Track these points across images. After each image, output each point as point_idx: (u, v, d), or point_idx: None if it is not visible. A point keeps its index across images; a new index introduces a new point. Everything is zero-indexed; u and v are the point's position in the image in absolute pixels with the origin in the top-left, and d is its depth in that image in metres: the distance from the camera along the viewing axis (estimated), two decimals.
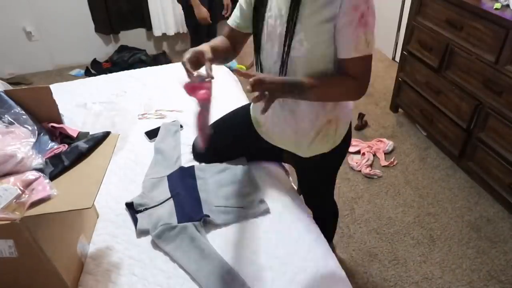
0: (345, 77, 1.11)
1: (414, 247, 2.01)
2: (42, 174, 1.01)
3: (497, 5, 1.99)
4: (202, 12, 2.74)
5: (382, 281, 1.86)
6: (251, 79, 1.00)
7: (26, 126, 1.14)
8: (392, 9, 3.58)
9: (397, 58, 3.43)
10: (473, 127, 2.24)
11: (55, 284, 1.05)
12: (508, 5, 1.99)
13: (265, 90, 1.02)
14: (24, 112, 1.18)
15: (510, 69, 1.93)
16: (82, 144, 1.12)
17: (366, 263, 1.94)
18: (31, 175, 1.00)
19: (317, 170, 1.44)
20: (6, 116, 1.14)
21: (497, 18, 1.95)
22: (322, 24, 1.05)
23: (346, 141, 1.35)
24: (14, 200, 0.93)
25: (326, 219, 1.68)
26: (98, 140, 1.16)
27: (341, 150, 1.38)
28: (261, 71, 1.23)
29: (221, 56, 1.23)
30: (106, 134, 1.19)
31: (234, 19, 1.29)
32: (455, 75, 2.32)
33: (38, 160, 1.05)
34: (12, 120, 1.13)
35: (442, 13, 2.33)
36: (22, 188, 0.96)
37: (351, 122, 1.36)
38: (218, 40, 1.28)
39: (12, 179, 0.97)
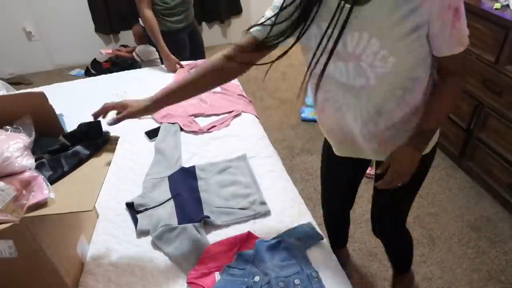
0: (444, 83, 1.06)
1: (414, 247, 2.01)
2: (40, 174, 1.00)
3: (497, 5, 1.99)
4: (172, 63, 2.28)
5: (382, 281, 1.86)
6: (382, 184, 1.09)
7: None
8: None
9: None
10: (473, 127, 2.24)
11: (55, 284, 1.05)
12: (508, 5, 1.99)
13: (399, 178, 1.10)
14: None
15: (510, 69, 1.93)
16: (83, 151, 1.11)
17: (366, 263, 1.94)
18: (27, 174, 0.99)
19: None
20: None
21: (497, 18, 1.95)
22: (407, 35, 0.94)
23: (433, 151, 1.24)
24: (12, 202, 0.93)
25: (396, 248, 1.59)
26: (99, 146, 1.15)
27: (429, 161, 1.25)
28: (316, 93, 1.12)
29: (192, 93, 1.20)
30: (106, 139, 1.17)
31: (261, 29, 1.05)
32: None
33: (29, 161, 1.02)
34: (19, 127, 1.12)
35: None
36: (19, 188, 0.96)
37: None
38: (194, 73, 1.15)
39: (8, 179, 0.97)
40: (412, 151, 1.08)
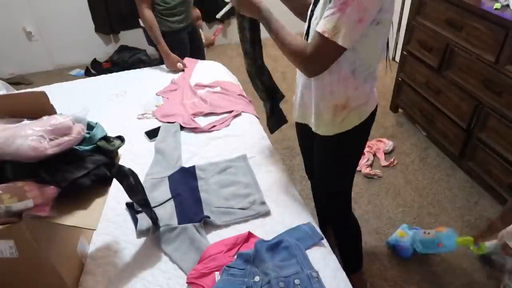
0: (305, 42, 1.14)
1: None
2: (69, 119, 1.03)
3: (497, 5, 1.99)
4: (173, 61, 2.27)
5: (382, 281, 1.86)
6: None
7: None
8: None
9: (397, 58, 3.43)
10: (473, 127, 2.24)
11: (55, 284, 1.05)
12: (508, 5, 1.99)
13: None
14: None
15: (510, 69, 1.93)
16: (85, 181, 1.04)
17: (366, 263, 1.94)
18: (54, 120, 1.00)
19: (322, 153, 1.44)
20: None
21: (497, 18, 1.95)
22: (326, 4, 1.08)
23: (355, 135, 1.33)
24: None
25: (343, 239, 1.63)
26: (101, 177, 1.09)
27: (347, 142, 1.35)
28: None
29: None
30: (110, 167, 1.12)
31: None
32: (455, 75, 2.32)
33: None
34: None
35: (442, 13, 2.33)
36: (45, 136, 0.95)
37: (370, 121, 1.34)
38: None
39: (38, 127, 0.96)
40: (255, 7, 1.22)
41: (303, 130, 1.48)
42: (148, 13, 2.16)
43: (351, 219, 1.61)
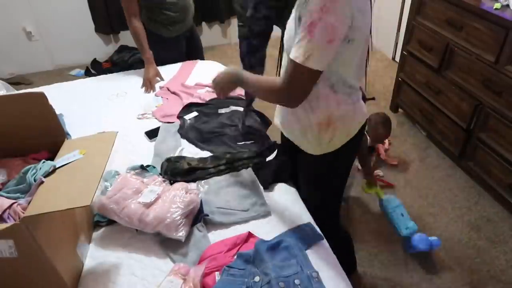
0: (276, 77, 1.13)
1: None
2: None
3: (497, 5, 1.99)
4: (154, 72, 2.22)
5: (382, 281, 1.86)
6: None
7: None
8: (392, 9, 3.59)
9: (397, 58, 3.43)
10: (473, 127, 2.24)
11: (55, 284, 1.05)
12: (508, 5, 1.99)
13: (219, 85, 1.31)
14: None
15: (510, 69, 1.93)
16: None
17: (366, 263, 1.94)
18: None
19: (309, 171, 1.41)
20: None
21: (497, 18, 1.95)
22: (295, 22, 1.07)
23: (344, 153, 1.30)
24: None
25: (335, 247, 1.54)
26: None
27: (336, 161, 1.32)
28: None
29: None
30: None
31: None
32: (455, 75, 2.32)
33: None
34: None
35: (442, 13, 2.33)
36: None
37: (360, 135, 1.30)
38: None
39: None
40: (230, 75, 1.28)
41: (283, 137, 1.42)
42: (136, 23, 2.11)
43: (339, 231, 1.60)
